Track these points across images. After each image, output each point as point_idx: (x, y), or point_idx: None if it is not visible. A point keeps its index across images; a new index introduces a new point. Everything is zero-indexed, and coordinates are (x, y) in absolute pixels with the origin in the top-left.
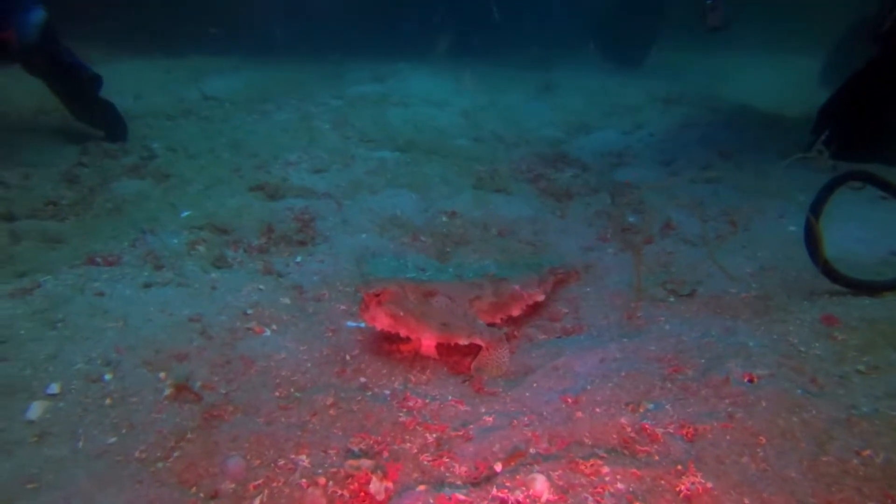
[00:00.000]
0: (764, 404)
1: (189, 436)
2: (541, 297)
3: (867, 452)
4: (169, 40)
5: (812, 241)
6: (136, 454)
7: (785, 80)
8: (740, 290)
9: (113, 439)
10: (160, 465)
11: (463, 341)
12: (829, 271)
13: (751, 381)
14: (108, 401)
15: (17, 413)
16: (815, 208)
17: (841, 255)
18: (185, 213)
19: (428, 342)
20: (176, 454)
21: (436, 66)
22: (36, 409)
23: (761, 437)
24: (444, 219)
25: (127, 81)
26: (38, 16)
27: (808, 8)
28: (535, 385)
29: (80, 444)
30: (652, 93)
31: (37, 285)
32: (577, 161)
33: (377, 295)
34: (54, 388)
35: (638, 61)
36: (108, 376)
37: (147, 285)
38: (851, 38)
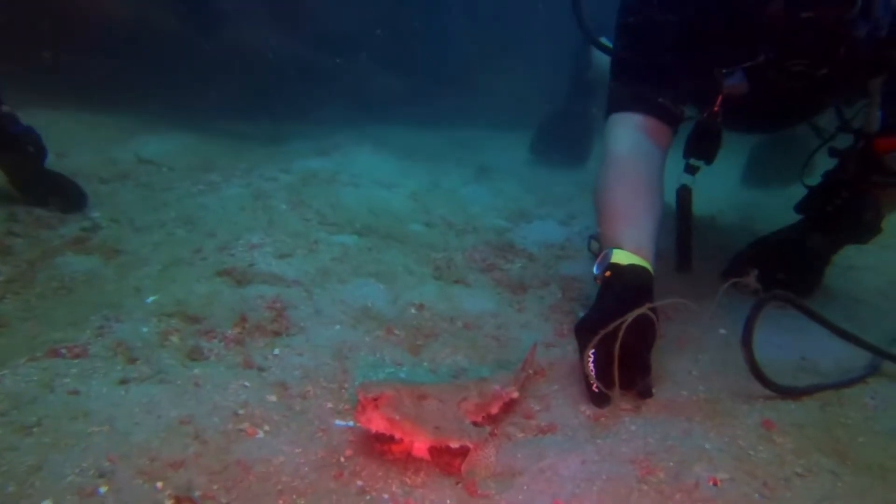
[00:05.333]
0: None
1: None
2: (516, 395)
3: None
4: (93, 92)
5: (749, 359)
6: None
7: (713, 180)
8: (690, 394)
9: None
10: None
11: (454, 444)
12: (763, 380)
13: (715, 484)
14: None
15: None
16: (747, 331)
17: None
18: (151, 299)
19: (421, 445)
20: None
21: (375, 140)
22: None
23: None
24: (413, 311)
25: (47, 136)
26: None
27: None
28: (525, 488)
29: None
30: (580, 182)
31: None
32: (523, 251)
33: (375, 399)
34: None
35: (583, 159)
36: (103, 489)
37: (124, 381)
38: (764, 146)
